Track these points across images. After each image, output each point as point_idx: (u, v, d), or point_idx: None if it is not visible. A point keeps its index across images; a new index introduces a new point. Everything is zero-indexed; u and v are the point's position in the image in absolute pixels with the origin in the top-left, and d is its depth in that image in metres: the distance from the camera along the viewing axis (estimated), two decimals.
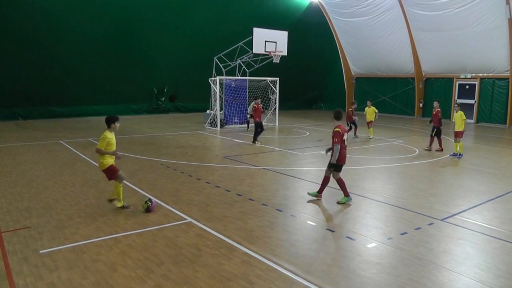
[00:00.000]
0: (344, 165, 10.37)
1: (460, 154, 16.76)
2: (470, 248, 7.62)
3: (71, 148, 17.01)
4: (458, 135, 16.74)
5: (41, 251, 6.95)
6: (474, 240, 8.03)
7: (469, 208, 10.01)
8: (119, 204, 9.24)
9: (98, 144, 9.04)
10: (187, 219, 8.65)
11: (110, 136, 9.16)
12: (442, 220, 9.05)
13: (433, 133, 18.22)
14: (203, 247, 7.24)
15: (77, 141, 18.64)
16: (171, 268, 6.42)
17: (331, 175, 10.37)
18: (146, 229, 8.05)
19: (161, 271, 6.34)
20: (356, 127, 21.98)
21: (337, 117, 10.20)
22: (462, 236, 8.20)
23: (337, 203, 10.24)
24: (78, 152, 16.07)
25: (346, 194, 10.32)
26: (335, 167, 10.22)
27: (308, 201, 10.40)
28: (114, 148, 9.19)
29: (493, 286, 6.18)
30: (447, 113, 31.85)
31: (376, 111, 22.37)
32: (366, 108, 22.29)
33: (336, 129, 9.99)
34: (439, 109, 18.56)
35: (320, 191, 10.52)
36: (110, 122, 9.30)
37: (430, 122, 18.71)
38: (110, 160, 9.16)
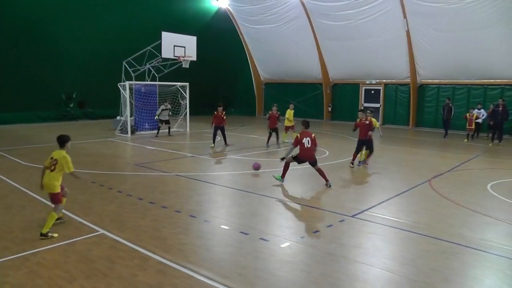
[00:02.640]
0: (308, 161, 12.68)
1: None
2: (379, 241, 8.14)
3: None
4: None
5: None
6: (383, 233, 8.60)
7: (378, 204, 10.63)
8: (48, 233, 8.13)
9: (70, 166, 8.54)
10: (99, 231, 8.42)
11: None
12: (353, 216, 9.50)
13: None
14: (117, 259, 7.10)
15: None
16: (84, 284, 6.23)
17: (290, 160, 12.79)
18: (56, 244, 7.74)
19: (74, 287, 6.16)
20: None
21: (305, 125, 13.02)
22: (371, 230, 8.71)
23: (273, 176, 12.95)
24: None
25: (326, 180, 12.47)
26: (296, 160, 12.75)
27: (274, 185, 12.52)
28: None
29: (400, 274, 6.66)
30: (354, 117, 33.18)
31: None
32: (288, 110, 22.08)
33: (297, 135, 12.76)
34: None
35: (283, 176, 12.85)
36: (64, 142, 8.87)
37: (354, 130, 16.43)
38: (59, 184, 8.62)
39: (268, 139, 20.79)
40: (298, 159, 12.75)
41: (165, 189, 11.95)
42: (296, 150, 12.83)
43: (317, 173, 12.64)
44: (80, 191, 11.70)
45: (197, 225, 8.92)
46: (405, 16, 28.80)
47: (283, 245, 7.79)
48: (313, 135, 12.75)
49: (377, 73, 33.16)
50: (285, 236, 8.27)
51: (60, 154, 8.64)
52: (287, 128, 22.04)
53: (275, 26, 36.30)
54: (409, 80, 31.45)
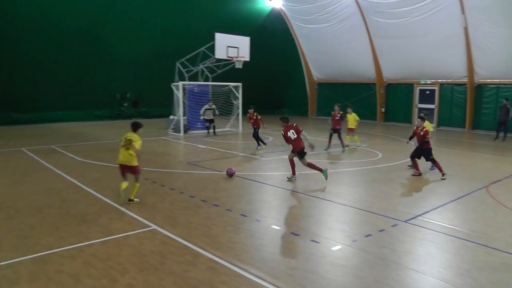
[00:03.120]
0: (304, 153, 12.98)
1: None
2: (433, 248, 7.82)
3: (33, 155, 16.62)
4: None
5: (1, 263, 6.75)
6: (437, 240, 8.24)
7: (432, 209, 10.24)
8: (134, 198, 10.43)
9: (139, 145, 10.33)
10: (151, 226, 8.57)
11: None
12: (406, 221, 9.22)
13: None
14: (168, 254, 7.19)
15: (39, 149, 18.21)
16: (136, 277, 6.35)
17: (301, 162, 13.06)
18: (110, 237, 7.94)
19: (126, 280, 6.26)
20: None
21: (284, 120, 13.41)
22: (425, 236, 8.39)
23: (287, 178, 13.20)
24: (41, 160, 15.70)
25: (320, 169, 12.94)
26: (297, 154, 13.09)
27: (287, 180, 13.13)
28: None
29: (456, 285, 6.33)
30: (408, 118, 32.69)
31: (357, 118, 21.04)
32: (347, 115, 20.85)
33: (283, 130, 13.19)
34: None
35: (293, 172, 13.29)
36: (137, 128, 10.70)
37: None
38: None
39: (329, 142, 19.70)
40: (298, 153, 13.12)
41: (216, 188, 12.03)
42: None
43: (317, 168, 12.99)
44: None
45: (248, 224, 8.92)
46: (463, 12, 27.71)
47: (334, 248, 7.66)
48: (294, 124, 13.29)
49: (432, 72, 32.06)
50: (336, 238, 8.14)
51: (132, 135, 10.46)
52: (350, 130, 20.88)
53: (329, 25, 35.98)
54: (466, 80, 30.15)
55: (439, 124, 32.19)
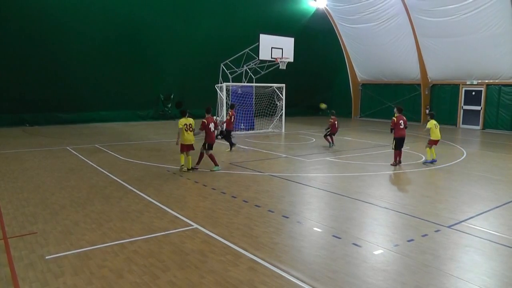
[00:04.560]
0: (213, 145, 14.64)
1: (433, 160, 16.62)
2: (477, 255, 7.56)
3: (77, 154, 17.05)
4: (435, 143, 16.72)
5: (47, 257, 6.96)
6: (481, 247, 7.96)
7: (476, 215, 9.93)
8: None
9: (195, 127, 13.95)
10: (193, 225, 8.64)
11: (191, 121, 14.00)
12: (449, 227, 8.98)
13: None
14: (209, 253, 7.22)
15: (83, 147, 18.68)
16: (177, 274, 6.41)
17: (205, 152, 14.55)
18: (152, 235, 8.05)
19: (167, 277, 6.32)
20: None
21: (207, 111, 14.81)
22: (469, 243, 8.14)
23: (210, 170, 14.30)
24: (85, 158, 16.10)
25: (215, 164, 14.51)
26: (207, 146, 14.47)
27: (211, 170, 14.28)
28: None
29: None
30: (453, 120, 32.00)
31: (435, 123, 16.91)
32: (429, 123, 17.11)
33: (203, 120, 14.39)
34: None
35: (198, 163, 14.64)
36: (185, 113, 14.19)
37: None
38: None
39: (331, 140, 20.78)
40: (209, 145, 14.47)
41: (258, 188, 12.02)
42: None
43: None
44: (175, 186, 12.08)
45: (289, 226, 8.87)
46: None
47: (376, 252, 7.55)
48: (215, 118, 15.13)
49: (479, 72, 31.07)
50: (378, 243, 8.01)
51: (190, 120, 13.91)
52: (431, 143, 16.82)
53: (374, 24, 35.50)
54: None
55: (485, 126, 31.25)
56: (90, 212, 9.46)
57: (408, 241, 8.11)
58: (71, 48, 27.99)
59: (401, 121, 15.97)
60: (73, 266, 6.63)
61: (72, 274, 6.35)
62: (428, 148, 16.70)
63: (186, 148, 13.90)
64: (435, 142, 16.68)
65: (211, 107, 15.55)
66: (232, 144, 19.16)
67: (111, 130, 25.97)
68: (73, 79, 28.42)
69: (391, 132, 16.29)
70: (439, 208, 10.45)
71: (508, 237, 8.47)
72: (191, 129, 13.87)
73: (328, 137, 20.74)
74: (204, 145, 14.51)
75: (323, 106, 23.02)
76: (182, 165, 14.14)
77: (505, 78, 29.76)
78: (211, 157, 14.50)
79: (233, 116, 19.91)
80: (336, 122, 20.65)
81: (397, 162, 15.98)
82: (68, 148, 18.50)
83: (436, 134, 16.59)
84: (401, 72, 36.24)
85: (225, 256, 7.12)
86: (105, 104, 30.28)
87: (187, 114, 14.11)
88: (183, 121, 13.84)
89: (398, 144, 15.95)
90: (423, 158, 17.52)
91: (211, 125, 14.47)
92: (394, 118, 16.15)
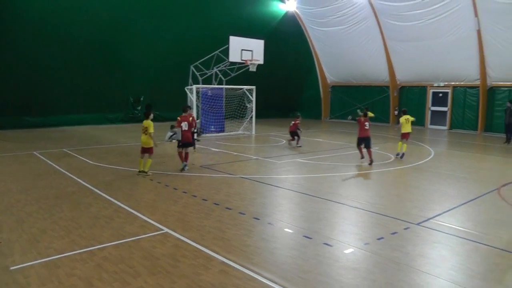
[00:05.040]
0: (187, 144, 14.93)
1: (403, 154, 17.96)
2: (445, 251, 7.77)
3: (45, 159, 16.71)
4: (405, 136, 18.08)
5: (12, 268, 6.74)
6: (449, 243, 8.19)
7: (444, 212, 10.20)
8: (147, 170, 13.97)
9: (152, 130, 13.65)
10: (164, 230, 8.55)
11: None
12: (418, 224, 9.16)
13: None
14: (180, 258, 7.16)
15: (51, 152, 18.31)
16: (148, 280, 6.33)
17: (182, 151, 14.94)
18: (122, 241, 7.93)
19: (138, 283, 6.24)
20: (299, 137, 21.49)
21: (184, 110, 15.35)
22: (437, 239, 8.34)
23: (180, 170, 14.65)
24: (53, 163, 15.78)
25: (185, 161, 14.92)
26: (181, 144, 14.90)
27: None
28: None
29: (467, 287, 6.31)
30: (421, 121, 32.58)
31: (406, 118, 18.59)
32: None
33: (178, 118, 14.91)
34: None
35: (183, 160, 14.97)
36: (148, 115, 14.01)
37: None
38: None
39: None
40: (184, 144, 14.89)
41: (229, 191, 11.99)
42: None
43: None
44: (145, 190, 11.98)
45: (260, 228, 8.87)
46: (476, 15, 27.61)
47: (346, 251, 7.62)
48: (190, 118, 15.27)
49: (445, 75, 32.00)
50: (349, 242, 8.09)
51: (147, 122, 13.69)
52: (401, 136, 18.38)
53: (343, 28, 35.93)
54: (479, 83, 30.05)
55: (452, 126, 32.11)
56: (58, 219, 9.25)
57: (378, 239, 8.22)
58: (39, 50, 27.35)
59: (366, 123, 16.80)
60: (40, 276, 6.45)
61: (39, 285, 6.18)
62: (399, 142, 18.03)
63: (141, 150, 14.04)
64: (404, 135, 18.09)
65: (189, 107, 16.63)
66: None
67: (80, 133, 25.57)
68: (41, 82, 27.77)
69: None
70: (408, 206, 10.64)
71: (474, 232, 8.75)
72: (145, 132, 13.75)
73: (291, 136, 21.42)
74: (178, 144, 14.99)
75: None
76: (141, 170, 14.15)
77: (470, 80, 30.74)
78: (179, 155, 15.02)
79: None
80: (295, 123, 21.34)
81: (370, 160, 16.51)
82: (35, 153, 18.10)
83: (405, 127, 18.12)
84: (370, 74, 36.82)
85: (197, 260, 7.07)
86: (74, 107, 29.68)
87: (150, 116, 14.00)
88: (144, 123, 13.94)
89: (360, 142, 16.95)
90: (392, 158, 17.82)
91: (183, 124, 14.76)
92: (361, 118, 17.12)
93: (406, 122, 18.19)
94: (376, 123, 34.83)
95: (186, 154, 14.99)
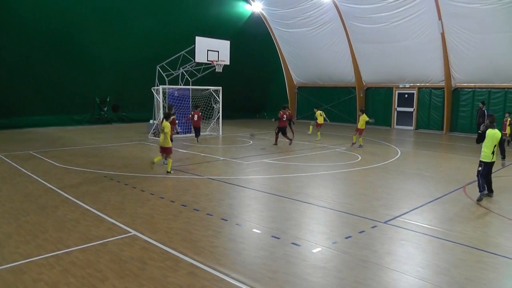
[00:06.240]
0: None
1: (360, 145, 21.35)
2: (412, 248, 7.94)
3: (10, 161, 16.37)
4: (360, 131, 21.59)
5: None
6: (416, 240, 8.38)
7: (410, 210, 10.40)
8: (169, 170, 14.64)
9: (168, 131, 14.41)
10: (131, 232, 8.50)
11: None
12: (385, 222, 9.32)
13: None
14: (148, 260, 7.14)
15: (16, 154, 17.94)
16: (116, 284, 6.28)
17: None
18: (89, 244, 7.85)
19: (106, 287, 6.19)
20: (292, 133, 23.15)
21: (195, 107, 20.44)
22: (404, 237, 8.51)
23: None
24: (18, 166, 15.47)
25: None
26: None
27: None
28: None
29: (434, 283, 6.47)
30: (387, 121, 33.20)
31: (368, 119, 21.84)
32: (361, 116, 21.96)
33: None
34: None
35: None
36: (168, 117, 14.94)
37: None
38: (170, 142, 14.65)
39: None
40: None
41: (197, 192, 11.99)
42: None
43: None
44: (112, 192, 11.85)
45: (228, 228, 8.91)
46: (440, 18, 28.26)
47: (314, 250, 7.71)
48: (200, 113, 18.30)
49: (411, 76, 32.65)
50: (317, 241, 8.18)
51: (165, 124, 14.44)
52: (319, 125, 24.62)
53: (309, 29, 36.21)
54: (444, 84, 30.73)
55: (418, 127, 32.83)
56: (24, 223, 9.10)
57: (346, 238, 8.34)
58: (3, 50, 26.88)
59: (284, 115, 21.66)
60: (5, 282, 6.34)
61: None
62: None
63: (160, 150, 14.98)
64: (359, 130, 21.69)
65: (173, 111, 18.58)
66: None
67: (46, 135, 25.12)
68: (5, 82, 27.20)
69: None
70: (375, 205, 10.80)
71: (440, 229, 8.96)
72: (162, 132, 14.57)
73: (278, 136, 22.12)
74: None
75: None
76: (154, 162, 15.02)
77: (435, 81, 31.48)
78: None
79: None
80: (284, 116, 21.94)
81: (276, 143, 21.87)
82: None
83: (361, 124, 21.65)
84: (337, 75, 37.26)
85: (165, 262, 7.06)
86: (39, 108, 29.09)
87: (169, 119, 14.97)
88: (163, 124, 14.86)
89: (280, 131, 21.82)
90: (359, 158, 18.08)
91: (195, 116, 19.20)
92: (280, 111, 21.75)
93: (363, 120, 21.49)
94: (342, 124, 35.28)
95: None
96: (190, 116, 23.51)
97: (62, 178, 13.61)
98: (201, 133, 23.57)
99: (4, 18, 26.63)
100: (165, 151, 14.56)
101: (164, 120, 14.67)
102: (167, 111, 17.27)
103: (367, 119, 21.61)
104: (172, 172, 14.44)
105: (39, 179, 13.35)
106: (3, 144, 21.03)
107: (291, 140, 21.81)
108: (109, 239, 8.12)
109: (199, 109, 24.46)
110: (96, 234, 8.40)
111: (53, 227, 8.82)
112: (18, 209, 10.12)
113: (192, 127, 23.92)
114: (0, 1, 26.57)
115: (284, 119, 21.68)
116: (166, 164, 14.75)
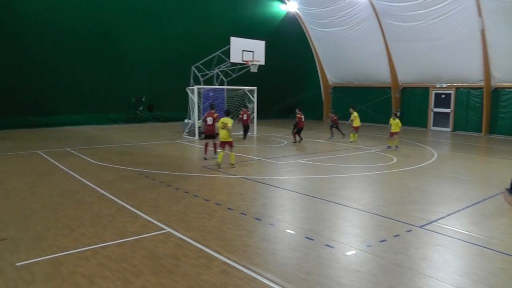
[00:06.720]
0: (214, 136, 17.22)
1: (397, 146, 21.19)
2: (449, 255, 7.71)
3: (48, 158, 16.78)
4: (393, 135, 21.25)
5: (17, 264, 6.82)
6: (453, 246, 8.13)
7: (447, 215, 10.12)
8: (234, 163, 15.92)
9: (230, 126, 15.66)
10: (166, 229, 8.59)
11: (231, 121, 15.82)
12: (421, 227, 9.13)
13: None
14: (182, 257, 7.20)
15: (54, 151, 18.38)
16: (150, 279, 6.37)
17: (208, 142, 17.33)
18: (124, 239, 7.98)
19: (140, 282, 6.28)
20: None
21: (211, 107, 18.43)
22: (440, 242, 8.30)
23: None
24: (56, 163, 15.85)
25: (205, 152, 17.32)
26: (205, 136, 17.76)
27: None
28: None
29: None
30: (423, 122, 32.68)
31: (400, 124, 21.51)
32: (391, 120, 21.51)
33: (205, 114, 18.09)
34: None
35: (205, 152, 17.38)
36: (229, 114, 16.43)
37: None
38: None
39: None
40: (207, 136, 17.56)
41: (231, 191, 12.03)
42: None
43: None
44: (147, 190, 11.99)
45: (262, 228, 8.90)
46: (480, 14, 27.34)
47: (348, 253, 7.62)
48: (215, 115, 17.48)
49: (448, 76, 31.81)
50: (351, 243, 8.10)
51: (227, 119, 15.71)
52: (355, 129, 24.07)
53: (344, 28, 35.89)
54: (483, 84, 29.77)
55: (455, 128, 31.97)
56: (61, 217, 9.32)
57: (381, 241, 8.21)
58: (42, 51, 27.50)
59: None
60: (44, 273, 6.52)
61: (43, 281, 6.25)
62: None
63: (220, 144, 15.81)
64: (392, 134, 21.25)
65: (214, 105, 19.55)
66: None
67: (82, 133, 25.63)
68: (44, 83, 27.93)
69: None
70: (410, 209, 10.60)
71: (478, 236, 8.65)
72: (226, 127, 15.55)
73: (296, 135, 23.30)
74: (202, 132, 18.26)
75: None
76: (218, 162, 15.69)
77: (473, 81, 30.52)
78: (205, 146, 17.47)
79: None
80: (302, 117, 23.32)
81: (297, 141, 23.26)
82: (39, 152, 18.17)
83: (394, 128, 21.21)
84: (372, 75, 36.73)
85: (198, 260, 7.10)
86: (77, 107, 29.82)
87: (230, 115, 16.65)
88: (221, 119, 15.92)
89: (298, 132, 23.35)
90: (394, 160, 17.85)
91: (208, 119, 17.47)
92: (297, 115, 23.30)
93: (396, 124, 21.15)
94: (377, 124, 34.88)
95: (214, 144, 17.36)
96: (240, 116, 24.22)
97: (98, 175, 13.85)
98: (246, 133, 24.54)
99: (41, 19, 27.25)
100: (230, 144, 15.70)
101: (225, 116, 16.09)
102: (210, 109, 18.23)
103: (400, 124, 21.40)
104: (237, 166, 15.82)
105: (76, 176, 13.63)
106: (41, 142, 21.56)
107: (298, 142, 23.31)
108: (144, 235, 8.22)
109: (249, 108, 25.21)
110: (131, 230, 8.52)
111: (89, 222, 9.00)
112: (56, 204, 10.38)
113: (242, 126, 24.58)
114: (40, 2, 27.18)
115: (302, 120, 23.45)
116: (217, 157, 15.92)
